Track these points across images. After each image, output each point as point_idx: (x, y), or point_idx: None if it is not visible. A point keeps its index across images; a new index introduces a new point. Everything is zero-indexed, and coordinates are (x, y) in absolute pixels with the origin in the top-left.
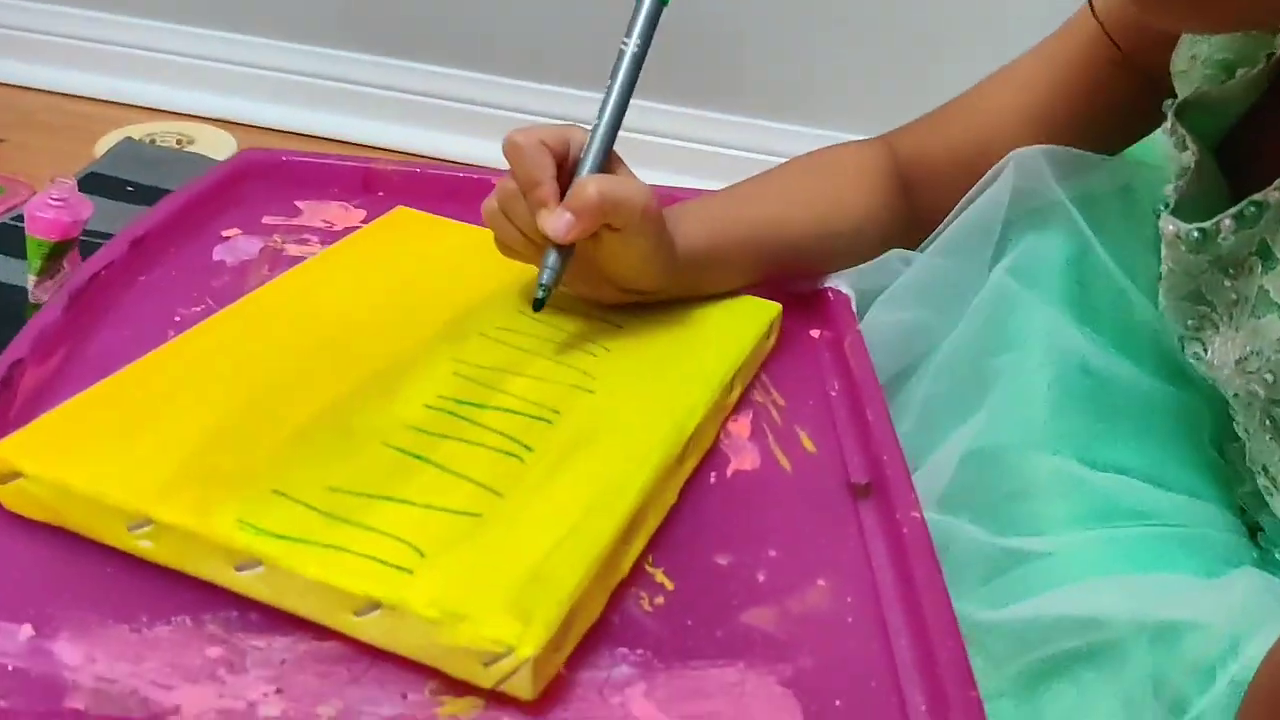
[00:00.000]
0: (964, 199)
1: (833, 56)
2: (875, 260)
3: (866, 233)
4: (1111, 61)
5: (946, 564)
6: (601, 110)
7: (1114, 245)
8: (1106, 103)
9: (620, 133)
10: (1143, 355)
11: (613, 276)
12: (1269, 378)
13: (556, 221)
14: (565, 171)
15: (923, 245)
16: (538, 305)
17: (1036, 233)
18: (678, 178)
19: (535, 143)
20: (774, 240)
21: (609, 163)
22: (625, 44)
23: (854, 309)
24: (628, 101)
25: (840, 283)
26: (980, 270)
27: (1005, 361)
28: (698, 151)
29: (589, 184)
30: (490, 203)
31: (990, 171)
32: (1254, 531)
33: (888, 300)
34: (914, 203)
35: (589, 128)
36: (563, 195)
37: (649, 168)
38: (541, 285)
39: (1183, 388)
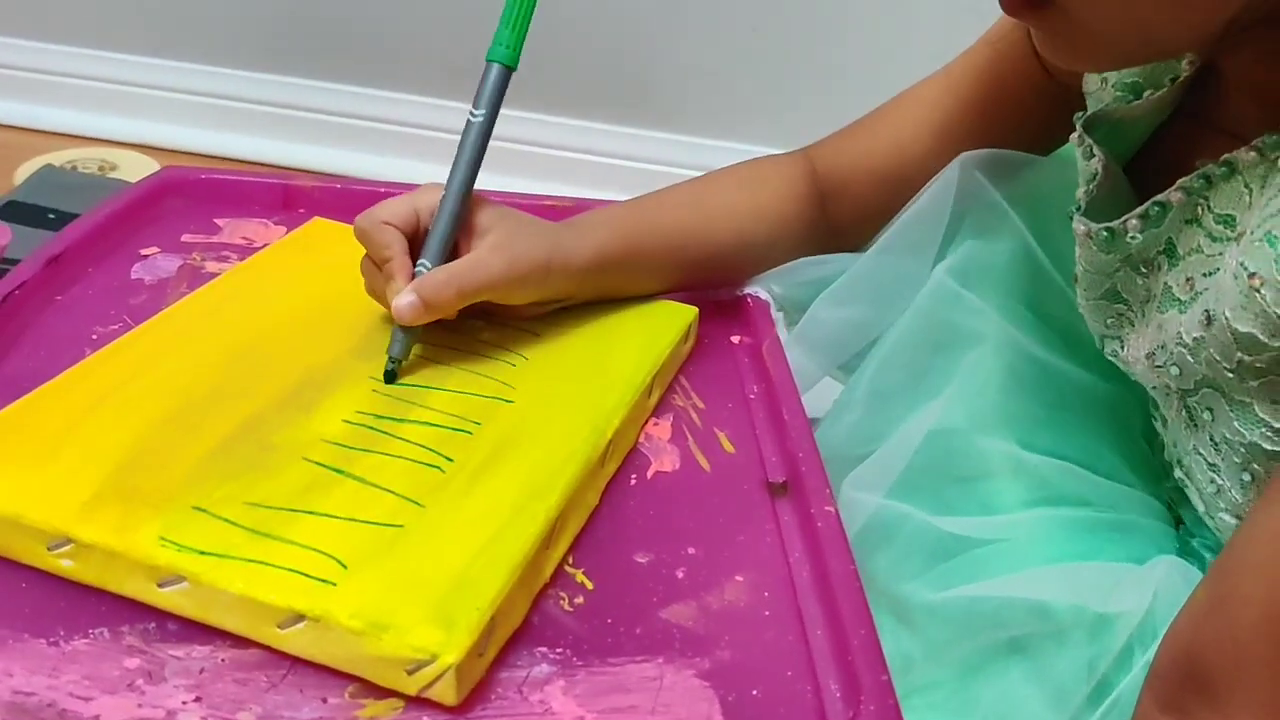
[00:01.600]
0: (913, 199)
1: (745, 73)
2: (788, 265)
3: (782, 243)
4: (1019, 76)
5: (896, 549)
6: (450, 181)
7: (1054, 244)
8: (1016, 117)
9: (534, 149)
10: (1079, 351)
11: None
12: (1174, 370)
13: (401, 304)
14: (419, 238)
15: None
16: (388, 378)
17: (976, 235)
18: (590, 191)
19: (377, 224)
20: (689, 247)
21: (465, 232)
22: (473, 115)
23: (773, 314)
24: (477, 170)
25: (760, 287)
26: (922, 267)
27: (951, 356)
28: (609, 165)
29: (448, 281)
30: (364, 281)
31: (939, 174)
32: (1179, 523)
33: (829, 297)
34: (831, 214)
35: (443, 184)
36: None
37: (562, 182)
38: (390, 358)
39: (1116, 383)
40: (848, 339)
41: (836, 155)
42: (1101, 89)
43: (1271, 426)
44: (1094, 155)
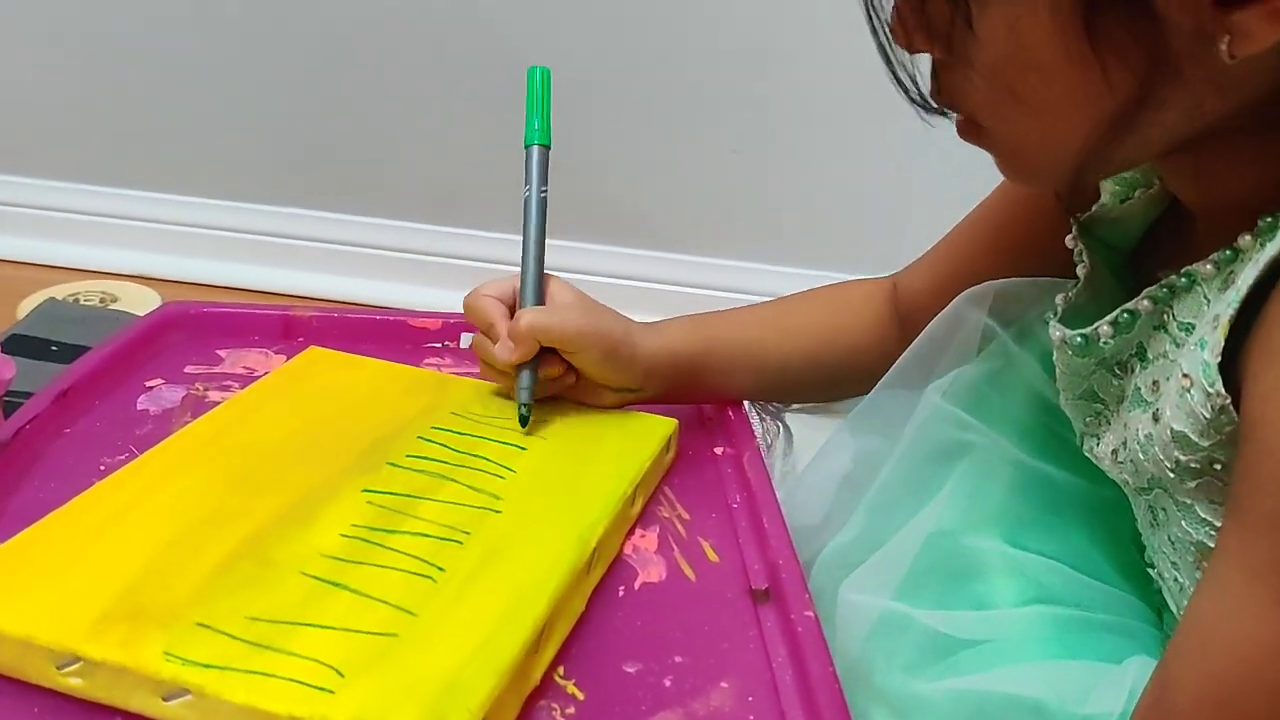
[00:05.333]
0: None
1: (725, 192)
2: None
3: (856, 368)
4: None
5: (893, 647)
6: (524, 252)
7: (1047, 358)
8: (1049, 235)
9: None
10: (1067, 458)
11: (592, 382)
12: (1131, 467)
13: (501, 350)
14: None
15: None
16: (523, 421)
17: (971, 361)
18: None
19: (479, 296)
20: (763, 360)
21: (544, 294)
22: (528, 191)
23: (753, 426)
24: (544, 239)
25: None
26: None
27: (946, 466)
28: (632, 288)
29: (521, 317)
30: (475, 350)
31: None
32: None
33: (843, 427)
34: (910, 339)
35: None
36: None
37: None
38: (521, 404)
39: (1109, 488)
40: (858, 469)
41: (914, 279)
42: (1105, 186)
43: (1214, 525)
44: (1083, 260)
